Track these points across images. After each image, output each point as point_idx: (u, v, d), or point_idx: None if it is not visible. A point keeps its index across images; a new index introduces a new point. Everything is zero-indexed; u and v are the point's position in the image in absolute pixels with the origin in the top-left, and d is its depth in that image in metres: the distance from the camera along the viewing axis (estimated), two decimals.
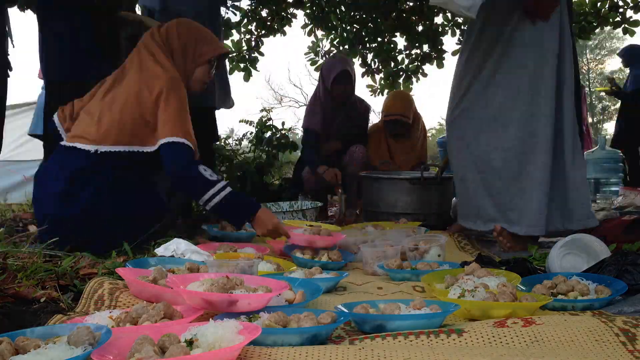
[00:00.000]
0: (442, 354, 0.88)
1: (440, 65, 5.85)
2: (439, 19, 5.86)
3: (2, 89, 2.59)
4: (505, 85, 2.28)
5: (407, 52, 6.19)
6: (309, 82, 29.45)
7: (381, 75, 6.38)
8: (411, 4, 5.77)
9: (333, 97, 3.61)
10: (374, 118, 5.36)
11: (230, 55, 5.85)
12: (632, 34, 4.96)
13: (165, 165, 1.94)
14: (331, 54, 3.67)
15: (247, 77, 5.97)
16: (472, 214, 2.42)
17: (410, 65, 6.20)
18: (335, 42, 5.94)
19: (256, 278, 1.29)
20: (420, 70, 6.15)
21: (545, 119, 2.19)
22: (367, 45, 6.07)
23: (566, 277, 1.41)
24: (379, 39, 6.07)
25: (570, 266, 1.67)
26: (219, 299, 1.10)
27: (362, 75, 6.24)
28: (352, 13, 5.83)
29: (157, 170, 2.01)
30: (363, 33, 5.92)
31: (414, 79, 6.25)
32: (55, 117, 2.18)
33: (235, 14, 5.45)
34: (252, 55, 5.85)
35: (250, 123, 4.89)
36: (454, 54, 5.67)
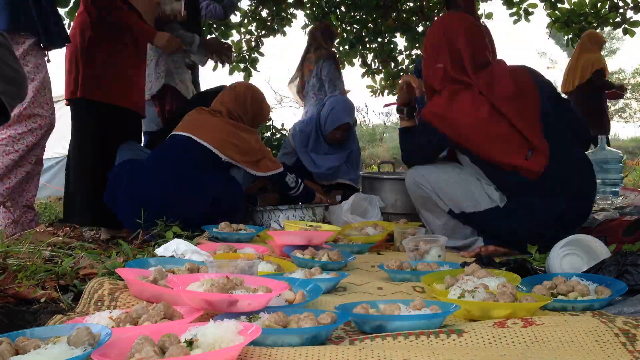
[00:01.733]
0: (442, 355, 0.87)
1: None
2: None
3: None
4: None
5: (408, 52, 6.19)
6: None
7: (381, 75, 6.38)
8: (411, 4, 5.78)
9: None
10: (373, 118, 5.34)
11: None
12: (632, 34, 4.96)
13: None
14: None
15: (247, 77, 5.96)
16: None
17: (410, 66, 6.19)
18: (335, 43, 5.95)
19: (256, 278, 1.29)
20: None
21: None
22: (367, 46, 6.07)
23: (566, 277, 1.41)
24: (379, 39, 6.07)
25: (570, 267, 1.67)
26: (219, 300, 1.10)
27: (362, 76, 6.24)
28: (352, 13, 5.84)
29: None
30: (363, 33, 5.93)
31: None
32: None
33: (235, 14, 5.45)
34: (252, 55, 5.85)
35: None
36: None
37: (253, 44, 5.83)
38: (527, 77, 2.29)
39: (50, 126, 2.50)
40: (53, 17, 2.51)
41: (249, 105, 2.88)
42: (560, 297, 1.33)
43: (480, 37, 2.37)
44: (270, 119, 4.96)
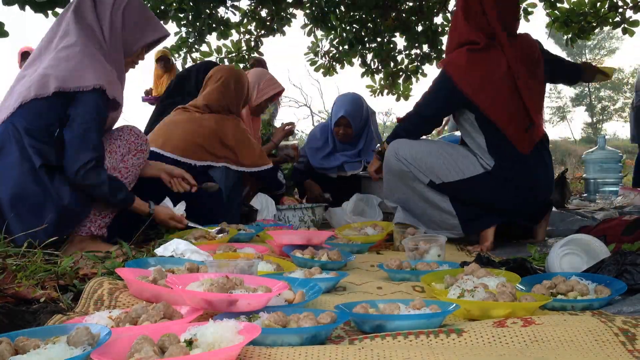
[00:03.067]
0: (442, 354, 0.88)
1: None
2: (438, 19, 5.86)
3: None
4: None
5: (407, 52, 6.19)
6: (308, 82, 29.66)
7: (381, 75, 6.37)
8: (411, 4, 5.76)
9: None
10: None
11: (229, 55, 5.85)
12: (632, 34, 4.95)
13: None
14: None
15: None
16: None
17: (409, 65, 6.19)
18: (335, 42, 5.94)
19: (256, 278, 1.29)
20: (420, 70, 6.15)
21: None
22: (367, 45, 6.06)
23: (565, 277, 1.41)
24: (379, 39, 6.06)
25: (569, 266, 1.67)
26: (219, 299, 1.10)
27: (362, 75, 6.24)
28: (352, 13, 5.82)
29: None
30: (363, 33, 5.91)
31: (413, 79, 6.25)
32: None
33: (235, 14, 5.44)
34: (252, 55, 5.84)
35: None
36: None
37: (252, 43, 5.82)
38: (539, 53, 2.41)
39: None
40: None
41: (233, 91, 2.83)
42: (559, 296, 1.33)
43: (511, 2, 2.42)
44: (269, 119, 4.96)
